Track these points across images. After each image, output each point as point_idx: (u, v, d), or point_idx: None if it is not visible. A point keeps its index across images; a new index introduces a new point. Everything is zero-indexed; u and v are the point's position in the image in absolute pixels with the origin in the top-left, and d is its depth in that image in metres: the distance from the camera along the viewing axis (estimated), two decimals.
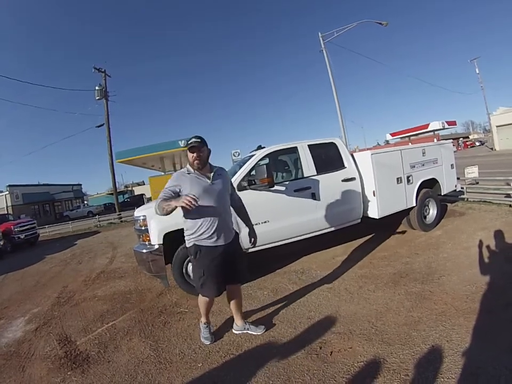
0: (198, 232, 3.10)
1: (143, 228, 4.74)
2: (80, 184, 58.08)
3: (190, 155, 3.07)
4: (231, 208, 3.45)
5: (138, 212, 4.94)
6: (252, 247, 3.89)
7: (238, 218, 3.75)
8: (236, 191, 3.76)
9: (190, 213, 3.01)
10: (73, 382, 3.20)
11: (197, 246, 3.12)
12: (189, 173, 3.14)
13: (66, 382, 3.22)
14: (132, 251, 5.58)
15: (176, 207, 2.86)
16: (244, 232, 3.87)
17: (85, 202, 54.82)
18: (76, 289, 6.45)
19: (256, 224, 3.71)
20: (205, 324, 3.55)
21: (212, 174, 3.17)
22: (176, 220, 4.52)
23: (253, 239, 3.68)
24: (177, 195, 3.07)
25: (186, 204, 2.70)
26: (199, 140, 3.06)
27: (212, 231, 3.08)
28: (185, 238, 3.24)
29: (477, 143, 64.47)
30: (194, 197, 2.74)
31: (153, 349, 3.58)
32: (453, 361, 2.61)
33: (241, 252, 3.54)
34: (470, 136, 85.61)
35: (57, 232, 21.33)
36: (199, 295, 3.38)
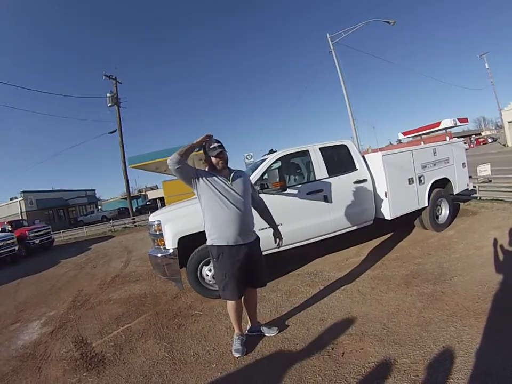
0: (218, 233, 3.13)
1: (157, 233, 4.80)
2: (94, 190, 58.49)
3: (214, 159, 3.16)
4: (254, 209, 3.51)
5: (153, 217, 5.01)
6: (278, 248, 3.92)
7: None
8: (257, 192, 3.77)
9: (211, 213, 3.15)
10: (89, 382, 3.28)
11: (219, 248, 3.15)
12: (208, 173, 3.23)
13: (82, 382, 3.30)
14: (146, 255, 5.66)
15: (195, 145, 3.16)
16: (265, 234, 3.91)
17: (99, 207, 55.12)
18: (91, 293, 6.55)
19: (269, 227, 3.76)
20: (237, 335, 3.48)
21: (231, 176, 3.22)
22: (190, 225, 4.58)
23: (278, 240, 3.72)
24: (191, 170, 3.17)
25: (204, 138, 3.19)
26: (221, 144, 3.20)
27: (232, 232, 3.11)
28: (207, 239, 3.27)
29: (489, 140, 63.53)
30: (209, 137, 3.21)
31: (168, 350, 3.64)
32: (463, 362, 2.62)
33: (262, 255, 3.55)
34: (482, 133, 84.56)
35: (72, 237, 21.56)
36: (228, 303, 3.37)
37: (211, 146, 3.15)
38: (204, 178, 3.14)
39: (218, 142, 3.19)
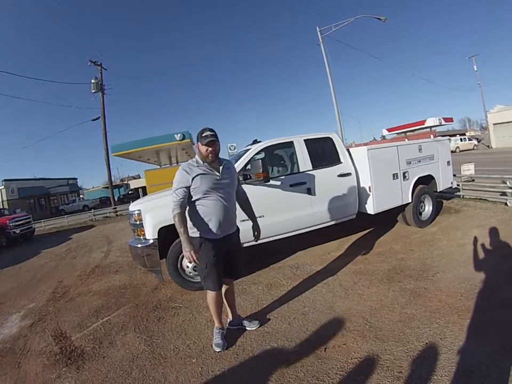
0: (202, 225, 3.08)
1: (137, 223, 4.73)
2: (76, 178, 57.55)
3: (205, 148, 3.01)
4: (236, 201, 3.43)
5: (133, 206, 4.93)
6: (256, 241, 3.86)
7: None
8: (241, 184, 3.71)
9: (197, 205, 3.09)
10: (69, 378, 3.18)
11: (201, 239, 3.11)
12: (198, 165, 3.10)
13: (61, 378, 3.21)
14: (127, 245, 5.57)
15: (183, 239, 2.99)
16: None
17: (81, 196, 54.52)
18: (71, 284, 6.44)
19: (248, 219, 3.71)
20: (218, 328, 3.44)
21: (221, 167, 3.14)
22: (171, 215, 4.53)
23: (256, 233, 3.65)
24: (188, 193, 3.05)
25: (188, 258, 2.95)
26: (214, 133, 3.04)
27: (217, 225, 3.06)
28: (188, 230, 3.14)
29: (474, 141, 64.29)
30: (197, 257, 2.96)
31: (147, 344, 3.58)
32: (447, 359, 2.61)
33: (241, 247, 3.54)
34: (466, 133, 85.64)
35: (53, 226, 21.25)
36: (207, 295, 3.33)
37: (203, 134, 3.02)
38: (193, 181, 3.03)
39: (212, 131, 3.05)
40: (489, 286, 3.76)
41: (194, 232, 3.14)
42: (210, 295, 3.29)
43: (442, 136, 9.94)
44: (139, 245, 4.68)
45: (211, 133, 3.01)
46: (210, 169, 3.09)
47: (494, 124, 37.88)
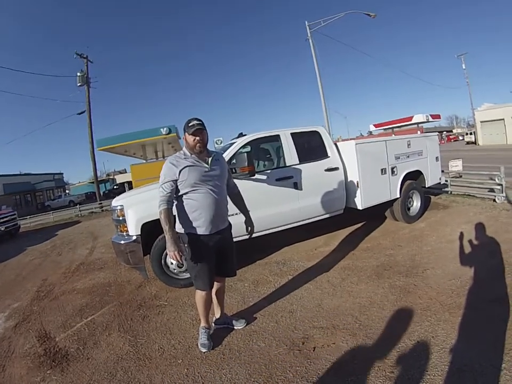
0: (191, 220, 2.96)
1: (120, 218, 4.61)
2: (62, 173, 57.10)
3: (192, 138, 2.90)
4: (227, 195, 3.31)
5: (116, 201, 4.80)
6: (249, 236, 3.77)
7: None
8: (232, 177, 3.57)
9: (185, 200, 2.97)
10: (53, 381, 3.08)
11: (190, 235, 2.99)
12: (185, 158, 2.98)
13: (46, 381, 3.11)
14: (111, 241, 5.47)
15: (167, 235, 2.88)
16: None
17: (67, 191, 54.06)
18: (56, 282, 6.31)
19: (237, 213, 3.61)
20: (203, 328, 3.34)
21: (210, 159, 3.01)
22: (155, 210, 4.42)
23: (250, 228, 3.56)
24: (175, 187, 2.93)
25: (172, 258, 2.85)
26: (201, 122, 2.93)
27: (207, 219, 2.94)
28: (177, 226, 3.05)
29: (461, 137, 65.14)
30: (181, 257, 2.88)
31: (132, 344, 3.49)
32: (439, 358, 2.57)
33: (233, 243, 3.42)
34: (453, 130, 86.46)
35: (39, 222, 20.96)
36: (196, 293, 3.23)
37: (190, 124, 2.90)
38: (181, 174, 2.90)
39: (199, 120, 2.94)
40: (479, 283, 3.74)
41: (183, 228, 3.02)
42: (200, 294, 3.19)
43: (429, 132, 9.97)
44: (122, 241, 4.56)
45: (198, 122, 2.90)
46: (198, 160, 2.96)
47: (481, 122, 38.53)
